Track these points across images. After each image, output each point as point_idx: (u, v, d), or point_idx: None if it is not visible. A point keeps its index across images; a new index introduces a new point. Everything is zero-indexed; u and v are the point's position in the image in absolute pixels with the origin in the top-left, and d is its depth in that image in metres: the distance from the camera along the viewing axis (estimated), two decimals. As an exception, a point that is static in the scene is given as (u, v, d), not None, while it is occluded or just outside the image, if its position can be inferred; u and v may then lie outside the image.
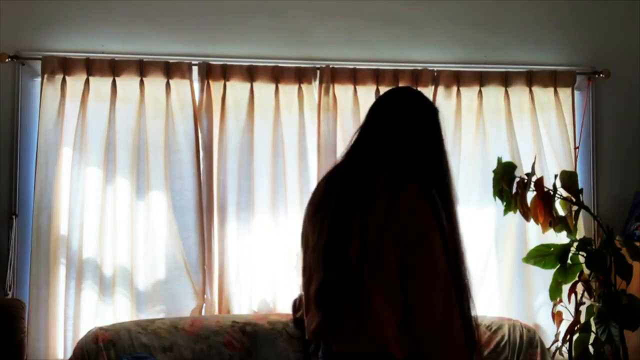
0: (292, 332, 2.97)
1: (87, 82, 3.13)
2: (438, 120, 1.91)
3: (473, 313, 1.82)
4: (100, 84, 3.15)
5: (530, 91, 3.39)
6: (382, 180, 1.75)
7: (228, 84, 3.22)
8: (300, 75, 3.27)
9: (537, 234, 3.16)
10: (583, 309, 3.01)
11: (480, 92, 3.36)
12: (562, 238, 3.08)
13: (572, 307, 3.02)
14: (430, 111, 1.92)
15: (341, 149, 3.22)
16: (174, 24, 3.29)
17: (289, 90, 3.27)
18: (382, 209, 1.69)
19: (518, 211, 2.95)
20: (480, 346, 1.88)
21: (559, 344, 3.05)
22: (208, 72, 3.21)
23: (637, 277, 2.94)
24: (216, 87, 3.22)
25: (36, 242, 3.04)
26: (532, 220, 2.95)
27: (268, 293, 3.20)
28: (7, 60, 3.10)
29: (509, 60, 3.44)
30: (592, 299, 2.98)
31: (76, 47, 3.20)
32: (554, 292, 2.99)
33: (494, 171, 3.00)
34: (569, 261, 2.95)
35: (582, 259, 2.95)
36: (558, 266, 2.94)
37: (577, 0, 3.53)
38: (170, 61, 3.19)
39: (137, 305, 3.11)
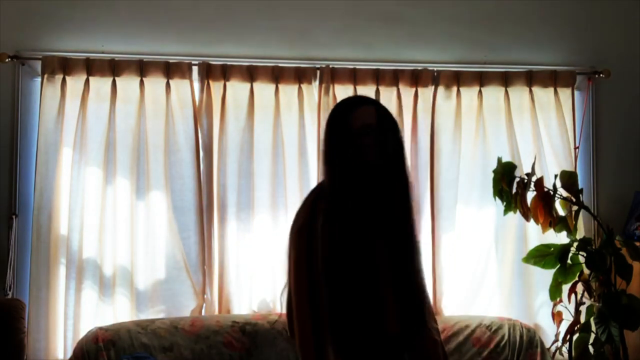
0: (292, 332, 2.96)
1: (87, 82, 3.13)
2: (337, 126, 1.82)
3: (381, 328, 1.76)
4: (100, 84, 3.15)
5: (530, 91, 3.38)
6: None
7: (228, 84, 3.22)
8: (300, 76, 3.27)
9: (537, 234, 3.16)
10: (583, 309, 3.01)
11: (480, 92, 3.36)
12: (562, 238, 3.08)
13: (572, 307, 3.03)
14: (332, 120, 1.85)
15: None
16: (174, 24, 3.29)
17: (289, 91, 3.27)
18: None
19: (518, 211, 2.95)
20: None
21: (559, 344, 3.05)
22: (208, 72, 3.20)
23: (637, 277, 2.95)
24: (216, 87, 3.22)
25: (36, 242, 3.04)
26: (532, 220, 2.95)
27: (268, 293, 3.20)
28: (7, 60, 3.10)
29: (509, 60, 3.44)
30: (592, 299, 2.98)
31: (76, 47, 3.20)
32: (554, 292, 2.99)
33: (494, 171, 3.00)
34: (569, 261, 2.95)
35: (582, 259, 2.95)
36: (558, 266, 2.94)
37: (577, 0, 3.53)
38: (170, 61, 3.19)
39: (137, 305, 3.11)
